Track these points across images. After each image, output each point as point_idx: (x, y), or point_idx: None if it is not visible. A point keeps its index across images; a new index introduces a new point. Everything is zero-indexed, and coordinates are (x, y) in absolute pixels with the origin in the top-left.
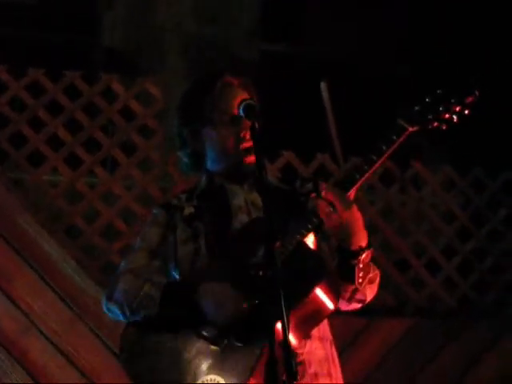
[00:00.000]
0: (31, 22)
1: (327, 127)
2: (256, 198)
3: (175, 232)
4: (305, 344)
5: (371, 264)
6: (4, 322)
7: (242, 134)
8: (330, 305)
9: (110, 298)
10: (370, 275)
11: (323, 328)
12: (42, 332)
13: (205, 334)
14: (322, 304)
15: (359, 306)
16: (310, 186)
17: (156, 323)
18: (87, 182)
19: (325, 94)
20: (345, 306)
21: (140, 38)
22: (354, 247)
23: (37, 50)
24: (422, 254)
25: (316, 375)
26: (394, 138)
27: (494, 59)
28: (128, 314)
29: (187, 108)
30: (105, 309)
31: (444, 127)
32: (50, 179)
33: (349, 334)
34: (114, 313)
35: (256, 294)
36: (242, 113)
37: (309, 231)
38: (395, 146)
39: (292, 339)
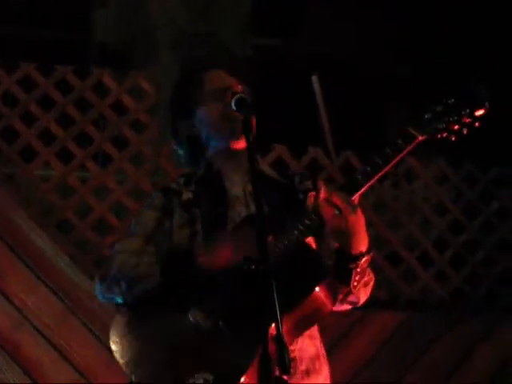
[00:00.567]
0: (23, 17)
1: (319, 121)
2: None
3: (172, 217)
4: (296, 341)
5: (368, 268)
6: None
7: (227, 105)
8: (329, 305)
9: (103, 278)
10: (366, 279)
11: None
12: (34, 327)
13: (200, 324)
14: (322, 304)
15: (350, 307)
16: (309, 183)
17: (148, 312)
18: (79, 177)
19: (316, 87)
20: (336, 307)
21: (132, 33)
22: (355, 251)
23: (29, 46)
24: (414, 247)
25: (307, 372)
26: (403, 145)
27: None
28: (125, 288)
29: (178, 99)
30: (98, 293)
31: (453, 138)
32: (41, 174)
33: (342, 327)
34: (108, 293)
35: (250, 289)
36: (233, 106)
37: (307, 229)
38: (403, 153)
39: (289, 338)
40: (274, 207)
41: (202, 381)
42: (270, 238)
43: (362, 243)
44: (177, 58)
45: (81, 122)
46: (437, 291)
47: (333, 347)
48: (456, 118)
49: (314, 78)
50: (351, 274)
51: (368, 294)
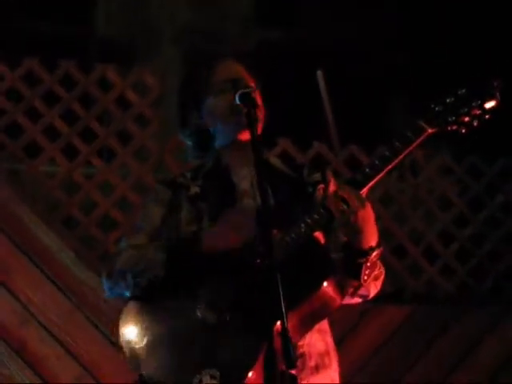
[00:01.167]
0: (23, 12)
1: (324, 115)
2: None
3: (179, 212)
4: (305, 336)
5: (378, 261)
6: (3, 314)
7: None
8: (337, 300)
9: (109, 274)
10: (376, 273)
11: (322, 320)
12: (40, 323)
13: (206, 319)
14: (330, 299)
15: (361, 300)
16: (318, 175)
17: (154, 307)
18: (84, 173)
19: (321, 83)
20: (347, 300)
21: (135, 27)
22: (364, 246)
23: (31, 41)
24: (419, 240)
25: (317, 367)
26: (412, 138)
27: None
28: (131, 281)
29: (187, 89)
30: (105, 289)
31: (463, 131)
32: (46, 170)
33: (348, 321)
34: (115, 287)
35: (256, 283)
36: (238, 101)
37: (315, 223)
38: (413, 146)
39: (297, 334)
40: (283, 200)
41: (208, 377)
42: (276, 232)
43: (371, 238)
44: (180, 51)
45: (85, 117)
46: (442, 285)
47: (339, 341)
48: (466, 109)
49: (319, 73)
50: (361, 268)
51: (378, 287)
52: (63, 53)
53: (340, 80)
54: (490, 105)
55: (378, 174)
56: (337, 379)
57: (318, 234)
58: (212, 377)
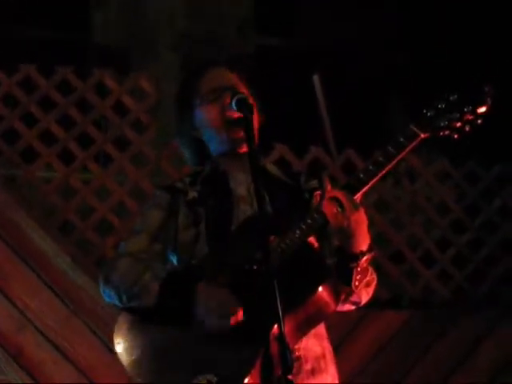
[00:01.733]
0: (20, 18)
1: (320, 120)
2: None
3: (177, 216)
4: (301, 340)
5: (369, 268)
6: (0, 320)
7: (226, 107)
8: (332, 305)
9: (107, 281)
10: (367, 279)
11: (319, 325)
12: (37, 328)
13: (199, 325)
14: (325, 304)
15: (353, 307)
16: (315, 182)
17: (150, 314)
18: (81, 178)
19: (317, 87)
20: (339, 307)
21: (132, 33)
22: (355, 250)
23: (28, 47)
24: (416, 246)
25: (313, 371)
26: (405, 143)
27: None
28: (125, 299)
29: (180, 100)
30: (101, 290)
31: (455, 136)
32: (43, 175)
33: (345, 326)
34: (110, 296)
35: (252, 289)
36: (234, 107)
37: (310, 228)
38: (405, 151)
39: (293, 339)
40: (280, 207)
41: (205, 382)
42: (272, 238)
43: (363, 242)
44: (177, 57)
45: (82, 122)
46: (439, 290)
47: (337, 345)
48: (458, 115)
49: (315, 78)
50: (352, 273)
51: (370, 294)
52: (60, 59)
53: (338, 83)
54: (481, 110)
55: (372, 179)
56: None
57: (313, 240)
58: (209, 382)
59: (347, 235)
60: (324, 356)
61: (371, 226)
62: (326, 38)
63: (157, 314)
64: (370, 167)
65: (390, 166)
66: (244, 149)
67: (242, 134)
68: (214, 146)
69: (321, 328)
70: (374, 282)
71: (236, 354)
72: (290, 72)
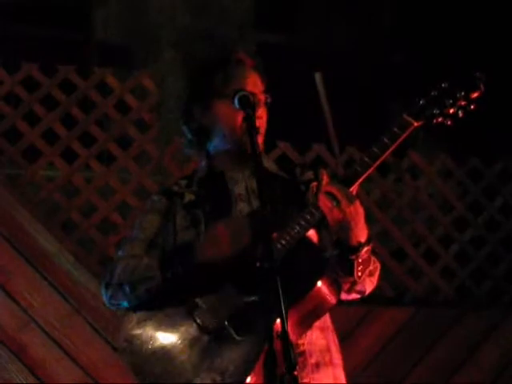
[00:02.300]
0: (22, 16)
1: (322, 117)
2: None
3: (174, 219)
4: (305, 334)
5: (372, 257)
6: (3, 318)
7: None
8: (332, 298)
9: (108, 285)
10: (370, 268)
11: (324, 317)
12: (40, 326)
13: (204, 325)
14: (325, 298)
15: (359, 296)
16: (310, 174)
17: (154, 312)
18: (83, 177)
19: (319, 84)
20: (344, 296)
21: (134, 31)
22: (353, 243)
23: (30, 46)
24: (419, 243)
25: (317, 365)
26: (399, 132)
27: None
28: (128, 291)
29: (199, 83)
30: (105, 298)
31: (449, 123)
32: (46, 174)
33: (348, 324)
34: (113, 299)
35: (255, 287)
36: (237, 104)
37: (309, 224)
38: (399, 141)
39: (294, 334)
40: (275, 201)
41: (209, 380)
42: (275, 236)
43: (361, 234)
44: (179, 56)
45: (84, 121)
46: (442, 287)
47: (341, 342)
48: (451, 101)
49: (317, 75)
50: (353, 265)
51: (374, 282)
52: (62, 57)
53: (339, 82)
54: (474, 95)
55: (367, 170)
56: (341, 376)
57: (311, 234)
58: (213, 380)
59: (344, 228)
60: (329, 349)
61: (374, 223)
62: (326, 35)
63: (160, 310)
64: (366, 159)
65: (384, 157)
66: (246, 144)
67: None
68: (218, 141)
69: (325, 320)
70: (378, 271)
71: (238, 351)
72: (291, 69)
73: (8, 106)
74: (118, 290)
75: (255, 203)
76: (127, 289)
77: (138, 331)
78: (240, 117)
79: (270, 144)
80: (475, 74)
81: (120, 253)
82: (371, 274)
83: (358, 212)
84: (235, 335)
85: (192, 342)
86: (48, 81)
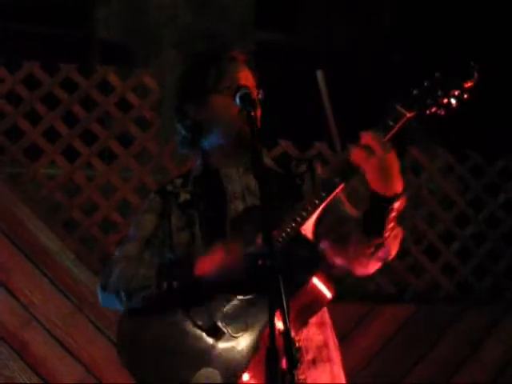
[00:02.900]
0: (23, 15)
1: (324, 115)
2: (251, 181)
3: (170, 219)
4: (302, 331)
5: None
6: (4, 315)
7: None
8: (328, 294)
9: (104, 288)
10: (395, 231)
11: (321, 313)
12: (41, 324)
13: (200, 323)
14: (320, 293)
15: (378, 265)
16: (304, 166)
17: (150, 312)
18: (85, 175)
19: (321, 82)
20: (363, 267)
21: (135, 30)
22: (390, 193)
23: (31, 44)
24: (420, 240)
25: (314, 361)
26: (392, 124)
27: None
28: (124, 299)
29: (191, 80)
30: (100, 299)
31: (442, 113)
32: (47, 172)
33: (349, 321)
34: (109, 302)
35: (252, 284)
36: (238, 102)
37: (303, 219)
38: (392, 132)
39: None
40: (271, 198)
41: (205, 376)
42: (275, 233)
43: (397, 184)
44: (180, 54)
45: (86, 119)
46: (444, 284)
47: (341, 340)
48: (444, 91)
49: (319, 73)
50: (384, 220)
51: (397, 247)
52: (64, 56)
53: (339, 81)
54: (468, 84)
55: None
56: (338, 372)
57: (306, 229)
58: (210, 373)
59: (382, 177)
60: (326, 345)
61: None
62: (326, 34)
63: (157, 310)
64: None
65: None
66: (241, 144)
67: (243, 131)
68: (213, 137)
69: (323, 316)
70: (400, 236)
71: (235, 349)
72: (291, 68)
73: (9, 105)
74: (114, 295)
75: (250, 200)
76: (123, 297)
77: (132, 329)
78: (235, 111)
79: (271, 142)
80: (469, 63)
81: (117, 253)
82: (395, 238)
83: (394, 161)
84: (231, 333)
85: (189, 341)
86: (49, 79)
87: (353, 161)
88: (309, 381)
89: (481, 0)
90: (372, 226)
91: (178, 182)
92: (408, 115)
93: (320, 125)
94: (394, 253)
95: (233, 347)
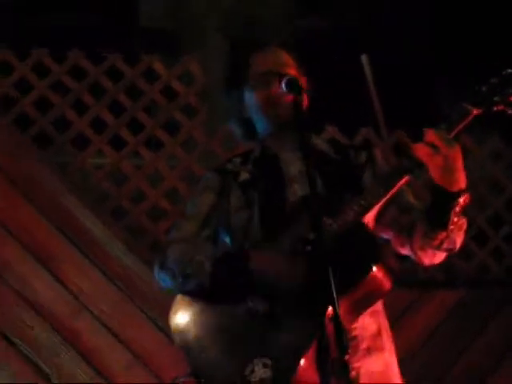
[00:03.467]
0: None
1: (370, 100)
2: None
3: (229, 198)
4: (357, 319)
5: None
6: (54, 305)
7: (272, 93)
8: (387, 284)
9: (162, 266)
10: (460, 222)
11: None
12: (91, 313)
13: (255, 307)
14: (379, 284)
15: (443, 256)
16: (363, 156)
17: (205, 299)
18: (132, 163)
19: (366, 67)
20: (429, 258)
21: (178, 17)
22: (455, 189)
23: (77, 34)
24: (470, 225)
25: (369, 350)
26: (458, 120)
27: None
28: (180, 281)
29: (229, 80)
30: (157, 277)
31: (510, 111)
32: (94, 162)
33: (399, 307)
34: (165, 281)
35: (307, 272)
36: (284, 88)
37: (363, 209)
38: (458, 129)
39: (347, 320)
40: (330, 185)
41: (261, 365)
42: (325, 219)
43: (461, 179)
44: (224, 41)
45: (132, 108)
46: (493, 269)
47: (390, 326)
48: None
49: (364, 57)
50: (449, 214)
51: (462, 238)
52: (108, 45)
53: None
54: None
55: None
56: (392, 361)
57: (367, 220)
58: (264, 365)
59: (446, 174)
60: (380, 333)
61: None
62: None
63: (211, 296)
64: None
65: None
66: (288, 123)
67: (288, 117)
68: (261, 126)
69: (377, 304)
70: (465, 226)
71: (291, 336)
72: (336, 52)
73: (56, 95)
74: (170, 277)
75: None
76: (180, 280)
77: (186, 316)
78: (260, 96)
79: (317, 128)
80: None
81: (174, 232)
82: (460, 229)
83: (458, 156)
84: (287, 320)
85: (243, 328)
86: (95, 69)
87: (416, 157)
88: (363, 369)
89: None
90: (437, 219)
91: (237, 160)
92: (475, 112)
93: (366, 110)
94: (459, 243)
95: (289, 335)
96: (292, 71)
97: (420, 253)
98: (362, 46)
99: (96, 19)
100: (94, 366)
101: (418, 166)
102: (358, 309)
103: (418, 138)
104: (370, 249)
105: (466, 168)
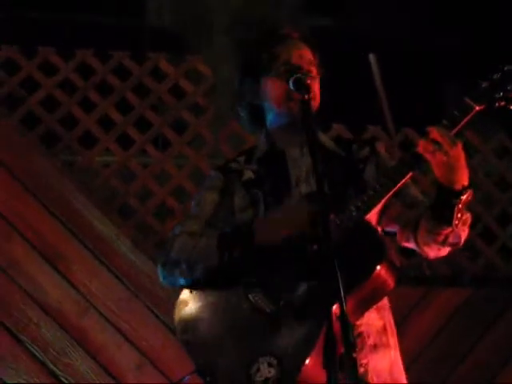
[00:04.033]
0: (78, 4)
1: (377, 99)
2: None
3: (233, 198)
4: (362, 316)
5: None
6: (62, 303)
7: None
8: (391, 282)
9: (164, 263)
10: (464, 217)
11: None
12: (99, 311)
13: (263, 309)
14: (384, 282)
15: (448, 250)
16: (366, 151)
17: (210, 295)
18: (139, 162)
19: (374, 66)
20: (435, 252)
21: (187, 16)
22: (458, 186)
23: (84, 33)
24: (476, 222)
25: (375, 346)
26: (460, 116)
27: None
28: (186, 270)
29: (247, 59)
30: (161, 276)
31: (511, 107)
32: (102, 160)
33: (406, 305)
34: (170, 277)
35: (312, 270)
36: (292, 87)
37: (366, 206)
38: (460, 125)
39: (352, 317)
40: (335, 181)
41: (266, 364)
42: (332, 217)
43: (464, 177)
44: (231, 39)
45: (139, 107)
46: (500, 267)
47: (396, 324)
48: None
49: (371, 56)
50: (453, 211)
51: (467, 233)
52: (116, 44)
53: (393, 63)
54: None
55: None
56: (397, 358)
57: (370, 217)
58: (269, 365)
59: (449, 171)
60: (385, 329)
61: None
62: (377, 16)
63: (217, 293)
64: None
65: None
66: (299, 119)
67: (299, 113)
68: (272, 117)
69: (383, 300)
70: (469, 221)
71: (296, 334)
72: (344, 52)
73: (63, 93)
74: (174, 266)
75: (314, 183)
76: (184, 266)
77: (191, 314)
78: (282, 87)
79: (324, 126)
80: None
81: (178, 228)
82: (465, 223)
83: (461, 154)
84: (292, 318)
85: (247, 326)
86: (102, 67)
87: (420, 154)
88: (370, 366)
89: None
90: (440, 215)
91: (241, 159)
92: (477, 108)
93: (373, 108)
94: (463, 238)
95: (294, 333)
96: (314, 70)
97: (425, 247)
98: (371, 45)
99: (103, 17)
100: (101, 364)
101: (421, 163)
102: (362, 306)
103: (424, 135)
104: (374, 246)
105: (472, 165)
